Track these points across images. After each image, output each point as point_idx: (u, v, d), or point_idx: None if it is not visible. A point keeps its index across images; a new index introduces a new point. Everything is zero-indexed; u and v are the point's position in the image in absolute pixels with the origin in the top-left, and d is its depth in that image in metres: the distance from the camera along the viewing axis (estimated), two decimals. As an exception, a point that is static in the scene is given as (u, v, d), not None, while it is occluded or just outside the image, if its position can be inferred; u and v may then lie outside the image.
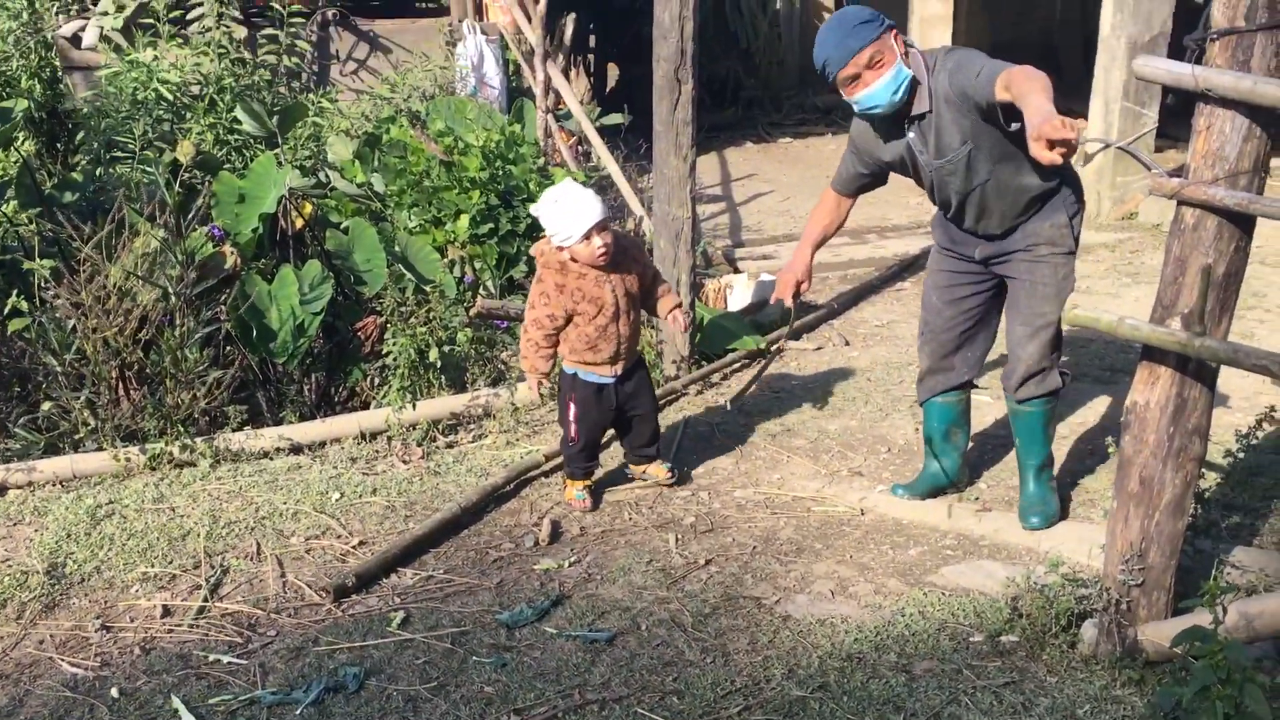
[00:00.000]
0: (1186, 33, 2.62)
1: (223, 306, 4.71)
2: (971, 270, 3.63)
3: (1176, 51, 2.68)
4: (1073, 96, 10.07)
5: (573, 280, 3.61)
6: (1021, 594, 3.04)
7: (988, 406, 4.66)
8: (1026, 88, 2.91)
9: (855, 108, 3.39)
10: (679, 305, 3.95)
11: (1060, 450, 4.19)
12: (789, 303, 3.79)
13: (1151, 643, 2.70)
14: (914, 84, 3.30)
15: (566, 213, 3.48)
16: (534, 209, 3.57)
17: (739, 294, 5.86)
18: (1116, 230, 7.55)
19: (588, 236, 3.50)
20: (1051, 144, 2.73)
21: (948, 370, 3.78)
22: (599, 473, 4.04)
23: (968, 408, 3.89)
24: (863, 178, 3.67)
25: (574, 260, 3.59)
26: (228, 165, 6.10)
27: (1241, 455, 3.58)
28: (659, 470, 4.01)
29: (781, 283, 3.75)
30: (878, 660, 2.90)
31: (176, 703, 2.76)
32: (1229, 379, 4.58)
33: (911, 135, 3.38)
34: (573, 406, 3.81)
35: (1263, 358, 2.37)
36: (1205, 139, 2.54)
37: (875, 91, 3.28)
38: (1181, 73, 2.49)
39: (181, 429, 4.27)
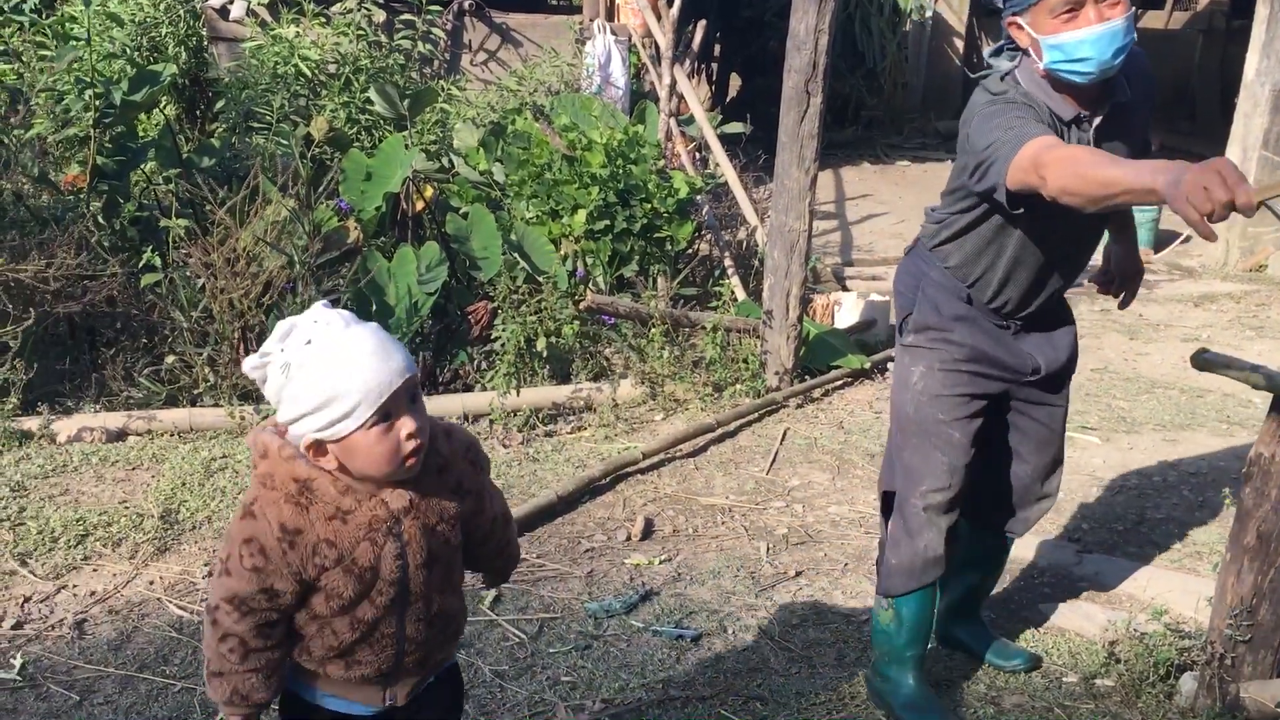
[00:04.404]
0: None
1: (343, 279, 4.84)
2: (991, 391, 2.67)
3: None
4: (1207, 142, 9.80)
5: (320, 521, 1.68)
6: (1120, 639, 2.97)
7: (1095, 448, 4.56)
8: None
9: (1048, 56, 2.31)
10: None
11: (1170, 501, 4.09)
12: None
13: (1254, 701, 2.61)
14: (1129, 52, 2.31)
15: (337, 364, 1.60)
16: (253, 363, 1.66)
17: (847, 312, 5.83)
18: (1243, 281, 7.32)
19: (385, 416, 1.63)
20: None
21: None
22: None
23: None
24: None
25: (339, 473, 1.68)
26: (357, 144, 6.26)
27: (1363, 522, 3.45)
28: None
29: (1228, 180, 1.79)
30: (966, 690, 2.86)
31: (275, 653, 2.85)
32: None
33: (1087, 135, 2.41)
34: None
35: (1405, 419, 2.29)
36: (1360, 190, 2.45)
37: (1101, 34, 2.25)
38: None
39: (294, 394, 4.39)
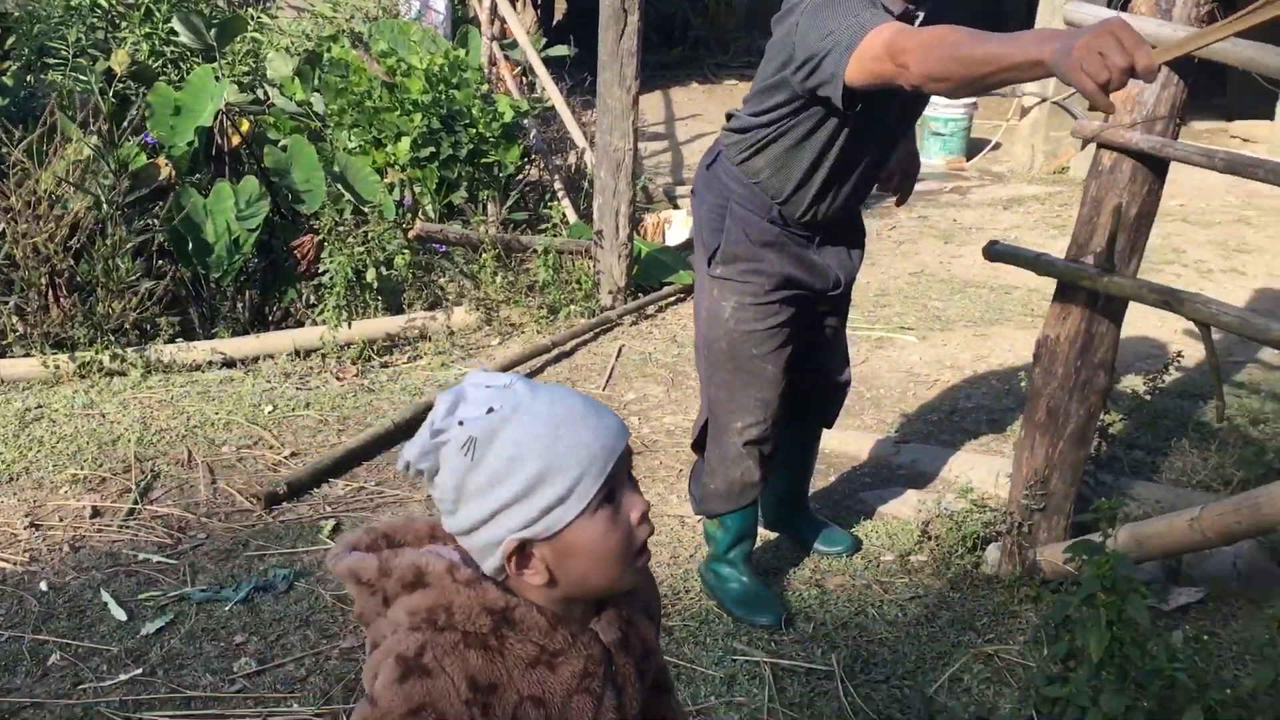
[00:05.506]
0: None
1: (155, 218, 4.67)
2: (800, 312, 2.71)
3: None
4: (1014, 52, 10.23)
5: (519, 670, 1.18)
6: (932, 519, 3.18)
7: (912, 346, 4.80)
8: None
9: None
10: None
11: (981, 391, 4.35)
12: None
13: (1049, 563, 2.85)
14: None
15: (543, 429, 1.15)
16: (421, 447, 1.16)
17: (677, 229, 5.93)
18: (1047, 184, 7.72)
19: (610, 495, 1.18)
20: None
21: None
22: None
23: None
24: None
25: (546, 590, 1.20)
26: (163, 77, 5.98)
27: (1149, 398, 3.75)
28: None
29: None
30: (793, 576, 3.03)
31: (106, 597, 2.81)
32: (1150, 332, 4.76)
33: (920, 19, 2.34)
34: None
35: (1163, 292, 2.50)
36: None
37: None
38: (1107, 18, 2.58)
39: (112, 339, 4.25)
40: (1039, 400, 2.85)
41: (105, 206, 4.41)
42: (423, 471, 1.17)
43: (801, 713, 2.47)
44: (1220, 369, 2.75)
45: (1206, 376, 4.28)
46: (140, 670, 2.56)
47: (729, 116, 2.70)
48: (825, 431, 3.21)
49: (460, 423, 1.15)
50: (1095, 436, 3.01)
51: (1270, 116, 8.41)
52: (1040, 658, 2.58)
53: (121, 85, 5.52)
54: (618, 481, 1.18)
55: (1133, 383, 4.07)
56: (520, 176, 6.17)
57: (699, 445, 2.89)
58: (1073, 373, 2.78)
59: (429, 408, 3.89)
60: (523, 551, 1.16)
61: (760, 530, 3.04)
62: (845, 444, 3.84)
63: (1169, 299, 2.47)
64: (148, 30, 6.23)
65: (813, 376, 2.87)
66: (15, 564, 2.96)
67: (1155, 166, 2.64)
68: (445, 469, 1.16)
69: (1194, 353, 4.50)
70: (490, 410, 1.15)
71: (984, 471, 3.52)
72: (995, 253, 2.83)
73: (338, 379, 4.29)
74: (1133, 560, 2.61)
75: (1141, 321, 4.82)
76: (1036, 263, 2.77)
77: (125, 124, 4.83)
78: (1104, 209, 2.67)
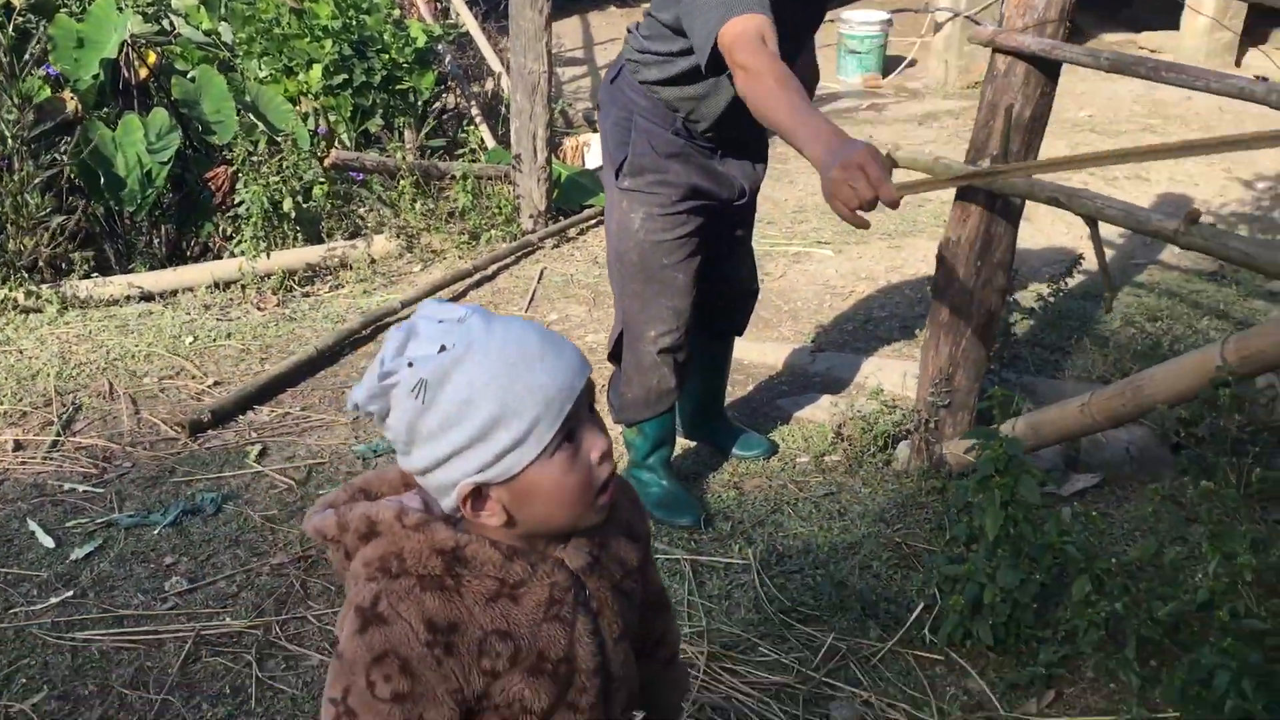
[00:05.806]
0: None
1: (62, 153, 4.58)
2: (707, 222, 2.77)
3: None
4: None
5: (480, 606, 1.17)
6: (845, 421, 3.29)
7: (829, 260, 4.90)
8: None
9: None
10: None
11: (894, 300, 4.47)
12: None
13: (954, 456, 2.98)
14: None
15: (499, 369, 1.11)
16: (369, 390, 1.13)
17: (596, 153, 5.95)
18: (961, 99, 7.83)
19: (569, 434, 1.16)
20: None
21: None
22: None
23: None
24: None
25: (502, 530, 1.19)
26: (64, 8, 5.81)
27: (1053, 300, 3.89)
28: None
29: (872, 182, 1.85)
30: (712, 480, 3.13)
31: (32, 525, 2.83)
32: (1058, 240, 4.91)
33: None
34: None
35: (1054, 191, 2.61)
36: (1018, -10, 2.72)
37: None
38: (996, -77, 2.65)
39: (25, 276, 4.19)
40: (942, 301, 2.96)
41: (10, 141, 4.32)
42: (372, 414, 1.14)
43: (720, 604, 2.58)
44: (1110, 266, 2.87)
45: (1108, 278, 4.45)
46: (71, 593, 2.59)
47: (631, 33, 2.73)
48: (744, 343, 3.30)
49: (410, 363, 1.11)
50: (998, 335, 3.13)
51: (1175, 27, 8.59)
52: (943, 542, 2.72)
53: (21, 19, 5.37)
54: (578, 420, 1.15)
55: (1039, 287, 4.20)
56: (437, 103, 6.13)
57: (615, 356, 2.96)
58: (973, 273, 2.89)
59: (352, 334, 3.92)
60: (479, 495, 1.15)
61: (680, 440, 3.14)
62: (763, 355, 3.94)
63: (1058, 195, 2.58)
64: (44, -40, 6.02)
65: (720, 286, 2.94)
66: (-62, 499, 2.97)
67: (1047, 69, 2.73)
68: (396, 411, 1.12)
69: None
70: (442, 349, 1.11)
71: (895, 375, 3.64)
72: (898, 158, 2.91)
73: (259, 309, 4.29)
74: (1031, 447, 2.76)
75: (1050, 229, 4.98)
76: (936, 165, 2.86)
77: (26, 57, 4.71)
78: (999, 113, 2.76)
